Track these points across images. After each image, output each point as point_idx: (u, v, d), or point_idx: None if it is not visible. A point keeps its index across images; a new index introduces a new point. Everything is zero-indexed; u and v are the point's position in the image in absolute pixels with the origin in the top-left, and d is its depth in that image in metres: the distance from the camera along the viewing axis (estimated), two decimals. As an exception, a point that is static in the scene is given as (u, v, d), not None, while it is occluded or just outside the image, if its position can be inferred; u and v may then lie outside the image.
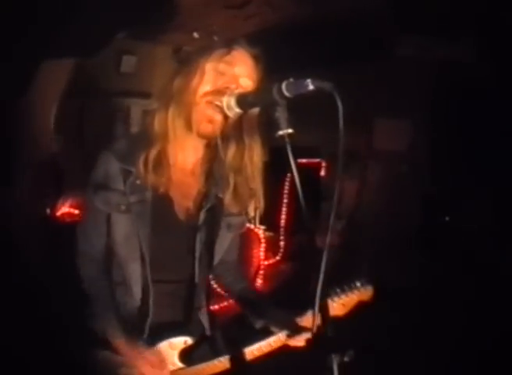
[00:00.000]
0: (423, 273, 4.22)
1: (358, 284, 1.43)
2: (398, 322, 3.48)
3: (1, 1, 2.82)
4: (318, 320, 1.02)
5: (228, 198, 1.34)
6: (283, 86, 0.97)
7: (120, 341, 1.29)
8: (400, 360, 3.02)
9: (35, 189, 3.41)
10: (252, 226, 4.09)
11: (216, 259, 1.41)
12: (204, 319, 1.45)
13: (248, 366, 1.37)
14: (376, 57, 4.82)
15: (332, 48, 4.56)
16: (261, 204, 1.35)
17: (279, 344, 1.34)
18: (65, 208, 3.05)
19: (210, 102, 1.21)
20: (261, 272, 3.96)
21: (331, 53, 4.72)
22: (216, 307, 3.02)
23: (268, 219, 4.11)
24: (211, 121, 1.23)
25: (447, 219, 4.74)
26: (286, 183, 4.46)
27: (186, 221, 1.33)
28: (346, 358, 0.97)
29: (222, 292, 1.64)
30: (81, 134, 3.78)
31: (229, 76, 1.24)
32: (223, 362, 1.33)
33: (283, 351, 1.37)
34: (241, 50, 1.28)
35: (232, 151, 1.31)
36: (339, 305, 1.40)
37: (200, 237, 1.34)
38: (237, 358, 1.35)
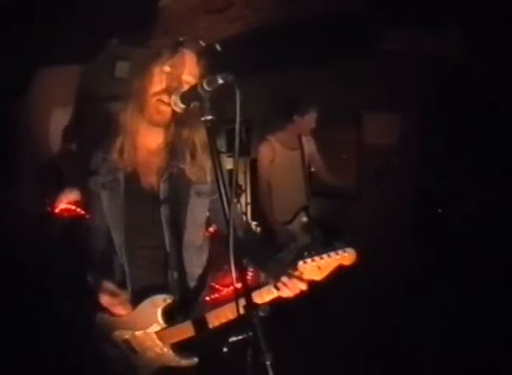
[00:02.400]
0: (416, 262, 4.27)
1: (336, 245, 1.42)
2: (394, 311, 3.52)
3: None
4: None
5: (188, 168, 1.60)
6: (204, 83, 1.22)
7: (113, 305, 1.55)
8: (394, 349, 3.05)
9: (36, 190, 3.61)
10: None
11: (194, 227, 1.64)
12: (182, 281, 1.65)
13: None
14: (363, 52, 4.87)
15: (319, 45, 4.64)
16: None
17: (270, 295, 1.46)
18: (63, 205, 3.27)
19: (159, 99, 1.49)
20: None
21: (318, 51, 4.80)
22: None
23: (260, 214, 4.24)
24: (160, 113, 1.51)
25: (439, 210, 4.79)
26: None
27: (152, 192, 1.59)
28: (261, 313, 1.11)
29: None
30: (78, 137, 3.96)
31: (173, 76, 1.50)
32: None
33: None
34: (184, 51, 1.53)
35: (185, 133, 1.59)
36: (312, 268, 1.41)
37: (164, 206, 1.58)
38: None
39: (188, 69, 1.52)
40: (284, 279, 1.43)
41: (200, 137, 1.55)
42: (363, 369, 2.93)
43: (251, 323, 1.12)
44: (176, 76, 1.50)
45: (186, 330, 1.54)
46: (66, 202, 3.28)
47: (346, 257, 1.42)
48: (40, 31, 3.36)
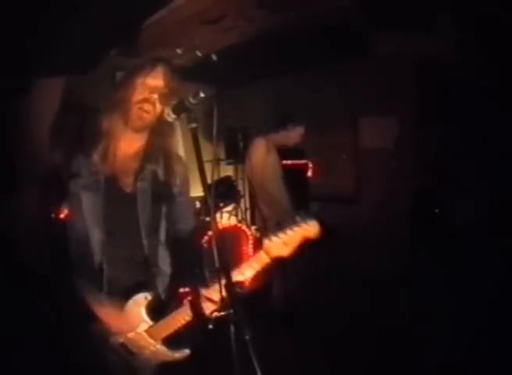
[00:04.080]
0: (413, 262, 4.35)
1: (298, 219, 1.44)
2: (390, 309, 3.59)
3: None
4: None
5: (160, 171, 1.79)
6: (190, 96, 1.42)
7: (101, 309, 1.64)
8: (389, 347, 3.09)
9: (40, 197, 3.70)
10: (240, 225, 4.40)
11: (164, 226, 1.77)
12: (161, 283, 1.77)
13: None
14: (356, 57, 4.99)
15: (314, 51, 4.75)
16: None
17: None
18: (67, 211, 3.38)
19: (140, 108, 1.70)
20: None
21: (313, 57, 4.92)
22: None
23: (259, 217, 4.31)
24: (141, 119, 1.72)
25: (437, 211, 4.83)
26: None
27: (129, 193, 1.73)
28: (238, 290, 1.24)
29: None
30: (80, 146, 4.07)
31: (152, 88, 1.70)
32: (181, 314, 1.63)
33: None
34: (162, 66, 1.74)
35: (159, 140, 1.80)
36: (278, 245, 1.45)
37: (140, 206, 1.72)
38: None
39: (165, 83, 1.72)
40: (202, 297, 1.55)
41: (173, 143, 1.80)
42: (363, 370, 2.94)
43: (231, 301, 1.26)
44: (155, 87, 1.70)
45: (171, 323, 1.65)
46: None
47: (309, 229, 1.44)
48: (40, 41, 3.45)
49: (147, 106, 1.69)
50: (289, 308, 3.59)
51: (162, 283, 1.78)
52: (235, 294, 1.27)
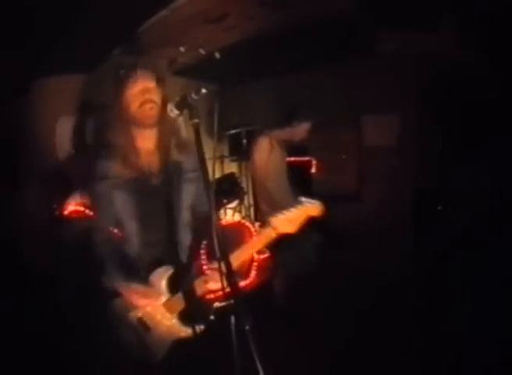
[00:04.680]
0: (416, 260, 4.35)
1: (302, 199, 1.65)
2: (392, 308, 3.55)
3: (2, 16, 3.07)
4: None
5: (178, 158, 1.91)
6: (192, 93, 1.50)
7: (126, 287, 1.78)
8: (394, 348, 3.05)
9: (43, 194, 3.76)
10: (244, 222, 4.44)
11: (187, 207, 1.93)
12: (183, 256, 1.92)
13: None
14: (360, 55, 5.02)
15: (314, 50, 4.78)
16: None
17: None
18: (72, 207, 3.46)
19: (144, 110, 1.83)
20: (255, 264, 4.13)
21: (313, 56, 4.96)
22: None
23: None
24: (149, 117, 1.84)
25: (439, 208, 4.85)
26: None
27: (157, 184, 1.87)
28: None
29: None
30: (86, 145, 4.14)
31: (143, 92, 1.83)
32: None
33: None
34: (140, 70, 1.87)
35: (169, 131, 1.91)
36: (284, 222, 1.63)
37: (166, 194, 1.85)
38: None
39: (152, 83, 1.85)
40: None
41: (182, 133, 1.91)
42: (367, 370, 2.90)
43: (232, 292, 1.31)
44: (144, 89, 1.82)
45: (188, 296, 1.75)
46: (75, 204, 3.46)
47: (312, 208, 1.64)
48: (42, 40, 3.50)
49: (148, 105, 1.82)
50: (290, 306, 3.59)
51: (184, 255, 1.93)
52: (235, 284, 1.32)
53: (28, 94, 4.14)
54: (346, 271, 4.25)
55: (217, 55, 4.18)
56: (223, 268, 1.33)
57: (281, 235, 1.66)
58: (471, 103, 4.42)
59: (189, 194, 1.94)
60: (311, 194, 4.34)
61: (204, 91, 1.46)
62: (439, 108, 4.77)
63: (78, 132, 4.14)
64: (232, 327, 1.32)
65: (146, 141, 1.92)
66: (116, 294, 1.84)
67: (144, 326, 1.81)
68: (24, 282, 3.33)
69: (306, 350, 3.00)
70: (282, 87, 5.72)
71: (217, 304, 1.38)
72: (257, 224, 4.67)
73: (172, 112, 1.62)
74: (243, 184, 5.71)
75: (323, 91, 5.43)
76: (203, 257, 1.90)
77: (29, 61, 3.78)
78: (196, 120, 1.46)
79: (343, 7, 3.99)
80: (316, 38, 4.51)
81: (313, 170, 5.38)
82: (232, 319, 1.33)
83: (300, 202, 1.62)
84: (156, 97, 1.84)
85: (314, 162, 5.37)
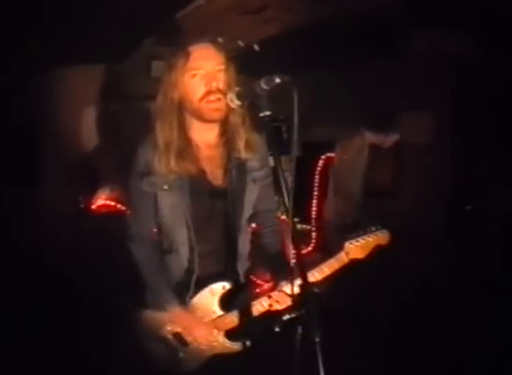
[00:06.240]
0: (448, 260, 4.23)
1: (373, 228, 1.63)
2: (420, 307, 3.51)
3: (29, 8, 2.98)
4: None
5: (244, 156, 1.64)
6: (262, 81, 1.27)
7: (170, 303, 1.61)
8: (418, 345, 3.03)
9: (67, 187, 3.66)
10: (284, 218, 4.32)
11: (248, 210, 1.70)
12: (241, 268, 1.72)
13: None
14: (394, 52, 4.85)
15: (351, 46, 4.63)
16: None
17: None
18: (101, 201, 3.34)
19: (208, 101, 1.53)
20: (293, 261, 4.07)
21: (349, 51, 4.79)
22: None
23: (301, 211, 4.33)
24: (217, 110, 1.55)
25: (469, 208, 4.78)
26: (316, 176, 4.60)
27: (219, 185, 1.63)
28: (315, 290, 1.18)
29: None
30: (116, 136, 4.04)
31: (203, 77, 1.53)
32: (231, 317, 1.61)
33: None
34: (197, 48, 1.54)
35: (234, 124, 1.63)
36: (357, 248, 1.59)
37: (229, 196, 1.63)
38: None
39: (212, 63, 1.54)
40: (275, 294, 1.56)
41: (248, 128, 1.64)
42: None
43: (306, 301, 1.17)
44: (205, 75, 1.53)
45: (243, 315, 1.59)
46: (104, 198, 3.34)
47: (382, 238, 1.63)
48: (72, 30, 3.41)
49: (213, 96, 1.52)
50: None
51: (242, 268, 1.73)
52: (311, 294, 1.19)
53: (54, 84, 4.07)
54: (381, 269, 4.19)
55: (256, 48, 4.03)
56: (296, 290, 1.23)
57: (352, 260, 1.61)
58: (505, 103, 4.26)
59: (252, 196, 1.70)
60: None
61: (278, 80, 1.24)
62: (471, 108, 4.62)
63: (110, 123, 4.04)
64: (298, 338, 1.20)
65: (205, 135, 1.66)
66: (149, 306, 1.69)
67: (180, 342, 1.65)
68: (46, 284, 3.24)
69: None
70: (318, 82, 5.59)
71: (287, 316, 1.25)
72: (296, 220, 4.59)
73: (233, 102, 1.42)
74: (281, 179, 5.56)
75: (357, 88, 5.30)
76: (264, 274, 1.79)
77: (54, 50, 3.71)
78: (267, 113, 1.24)
79: (380, 5, 3.86)
80: (353, 34, 4.38)
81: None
82: (300, 329, 1.19)
83: (372, 231, 1.62)
84: (223, 83, 1.54)
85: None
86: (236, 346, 1.64)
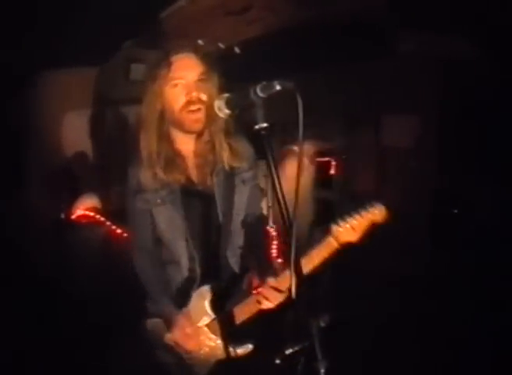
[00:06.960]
0: (432, 262, 4.23)
1: (367, 206, 1.41)
2: (405, 309, 3.49)
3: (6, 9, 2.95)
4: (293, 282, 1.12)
5: (230, 159, 1.62)
6: (258, 88, 1.12)
7: (169, 313, 1.60)
8: (405, 348, 3.01)
9: (48, 194, 3.57)
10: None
11: (241, 212, 1.67)
12: (235, 269, 1.69)
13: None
14: (379, 54, 4.81)
15: (335, 48, 4.55)
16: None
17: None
18: (81, 211, 3.22)
19: (188, 111, 1.52)
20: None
21: (334, 53, 4.71)
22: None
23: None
24: (197, 121, 1.54)
25: (455, 211, 4.70)
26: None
27: (209, 191, 1.62)
28: (322, 324, 1.07)
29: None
30: (96, 139, 3.95)
31: (184, 87, 1.52)
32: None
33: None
34: (179, 58, 1.54)
35: (217, 127, 1.60)
36: (347, 230, 1.39)
37: (219, 200, 1.62)
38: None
39: (192, 72, 1.53)
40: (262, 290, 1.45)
41: (232, 136, 1.63)
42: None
43: (310, 334, 1.06)
44: (187, 83, 1.52)
45: (236, 316, 1.54)
46: (84, 209, 3.23)
47: (377, 214, 1.41)
48: (49, 32, 3.35)
49: (194, 106, 1.51)
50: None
51: (236, 269, 1.70)
52: (315, 327, 1.06)
53: (33, 88, 3.95)
54: (362, 273, 4.13)
55: (237, 50, 3.94)
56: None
57: (343, 244, 1.41)
58: (491, 106, 4.25)
59: (243, 198, 1.68)
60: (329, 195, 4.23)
61: (278, 87, 1.10)
62: (458, 111, 4.59)
63: (94, 128, 3.93)
64: (299, 368, 1.19)
65: (190, 143, 1.64)
66: (151, 315, 1.67)
67: (182, 349, 1.60)
68: (31, 286, 3.17)
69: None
70: (301, 85, 5.55)
71: (290, 350, 1.14)
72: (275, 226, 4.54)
73: (221, 111, 1.25)
74: (262, 185, 5.52)
75: (342, 91, 5.26)
76: (254, 272, 1.69)
77: (33, 54, 3.63)
78: (263, 125, 1.10)
79: (366, 6, 3.90)
80: (338, 36, 4.34)
81: (332, 171, 5.21)
82: (302, 359, 1.17)
83: (364, 207, 1.40)
84: (204, 94, 1.52)
85: (333, 163, 5.20)
86: (239, 350, 1.56)
